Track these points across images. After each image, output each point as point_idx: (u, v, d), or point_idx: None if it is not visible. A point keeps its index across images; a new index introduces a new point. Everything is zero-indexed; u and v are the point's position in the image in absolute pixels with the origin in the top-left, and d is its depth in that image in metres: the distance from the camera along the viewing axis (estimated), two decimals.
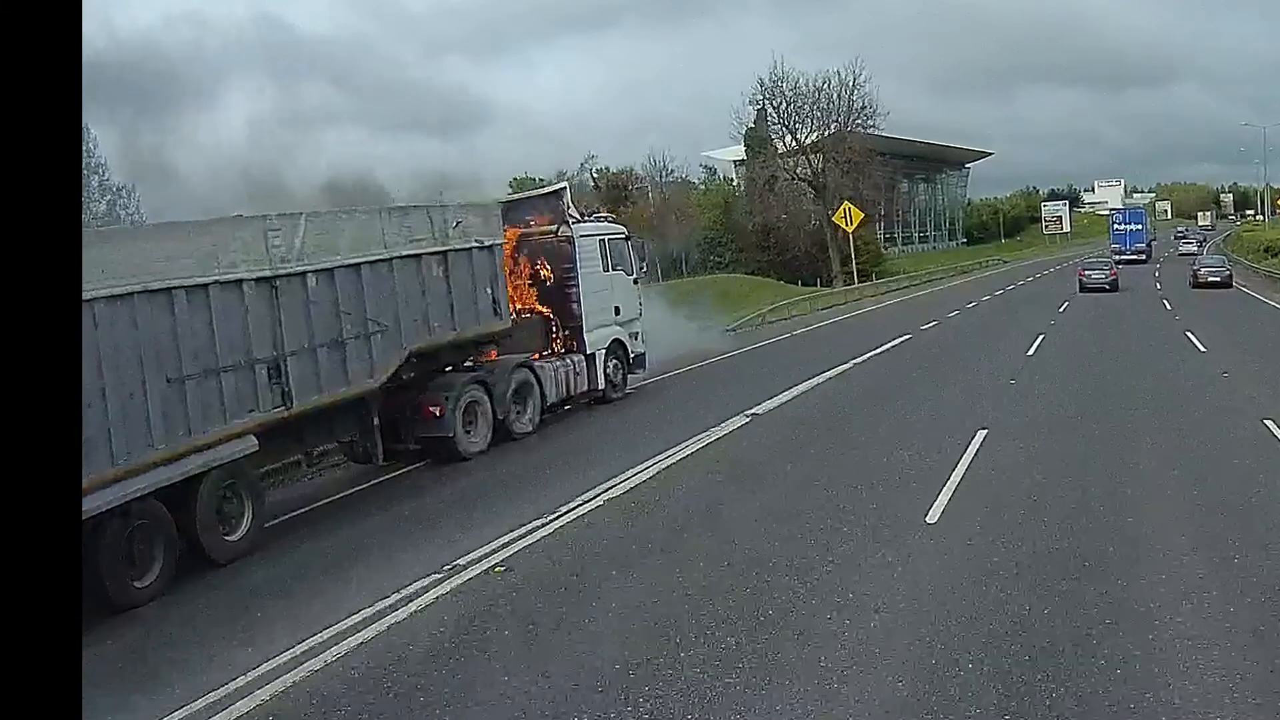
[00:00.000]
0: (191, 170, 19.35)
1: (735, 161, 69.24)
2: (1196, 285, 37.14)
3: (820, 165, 55.61)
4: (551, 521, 9.16)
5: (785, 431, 12.55)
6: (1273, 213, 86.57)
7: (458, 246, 13.32)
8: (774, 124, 57.05)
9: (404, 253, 12.46)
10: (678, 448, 11.85)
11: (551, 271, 15.90)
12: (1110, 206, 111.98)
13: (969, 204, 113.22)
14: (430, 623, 6.94)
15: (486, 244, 13.92)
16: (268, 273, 10.35)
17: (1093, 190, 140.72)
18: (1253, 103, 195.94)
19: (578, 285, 15.82)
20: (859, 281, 49.68)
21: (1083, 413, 12.52)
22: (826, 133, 55.10)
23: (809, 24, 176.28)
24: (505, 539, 8.72)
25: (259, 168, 16.34)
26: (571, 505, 9.59)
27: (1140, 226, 62.60)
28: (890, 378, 16.90)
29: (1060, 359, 18.10)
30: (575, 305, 15.83)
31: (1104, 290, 36.86)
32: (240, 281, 10.00)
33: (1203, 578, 6.57)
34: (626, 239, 17.67)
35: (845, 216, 44.57)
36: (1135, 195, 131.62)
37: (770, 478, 10.12)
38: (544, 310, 15.85)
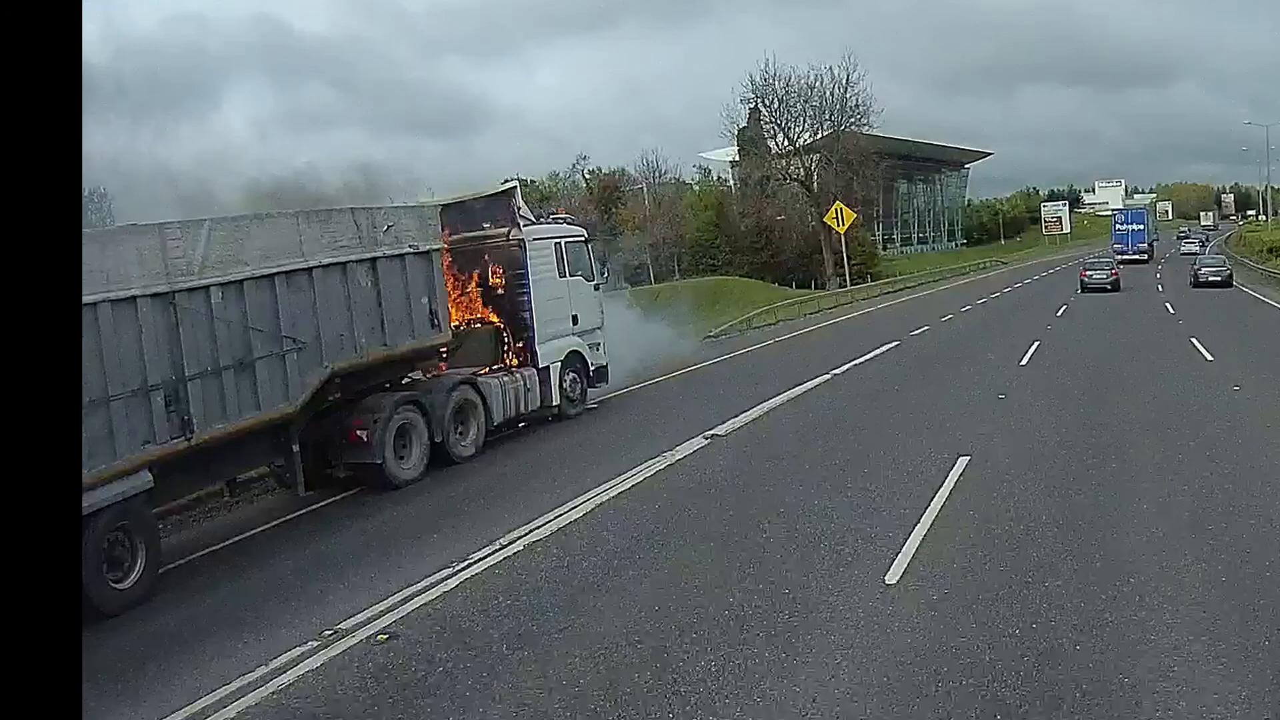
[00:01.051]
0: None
1: (731, 162, 68.05)
2: (1197, 285, 37.09)
3: (813, 166, 54.43)
4: (461, 571, 8.01)
5: (742, 458, 11.30)
6: (1275, 213, 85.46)
7: (389, 253, 12.17)
8: (766, 123, 55.84)
9: (325, 261, 11.32)
10: (623, 476, 10.65)
11: (502, 278, 14.77)
12: (1111, 207, 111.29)
13: (968, 204, 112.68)
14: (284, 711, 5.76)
15: (422, 249, 12.75)
16: (164, 288, 9.26)
17: (1093, 191, 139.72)
18: (1253, 102, 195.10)
19: (529, 293, 14.65)
20: (855, 283, 48.60)
21: (1076, 439, 11.05)
22: (820, 133, 53.86)
23: (808, 23, 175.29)
24: (406, 593, 7.57)
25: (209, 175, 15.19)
26: (484, 553, 8.41)
27: (1142, 227, 62.42)
28: (868, 392, 15.64)
29: (1055, 370, 16.83)
30: (527, 314, 14.68)
31: (1105, 290, 36.45)
32: (134, 298, 8.91)
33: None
34: (586, 242, 16.51)
35: (837, 217, 43.36)
36: (1136, 196, 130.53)
37: (712, 520, 8.79)
38: (495, 320, 14.74)
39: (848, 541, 7.74)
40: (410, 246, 12.47)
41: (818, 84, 53.81)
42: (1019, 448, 10.70)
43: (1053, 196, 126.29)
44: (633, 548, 8.18)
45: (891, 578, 6.86)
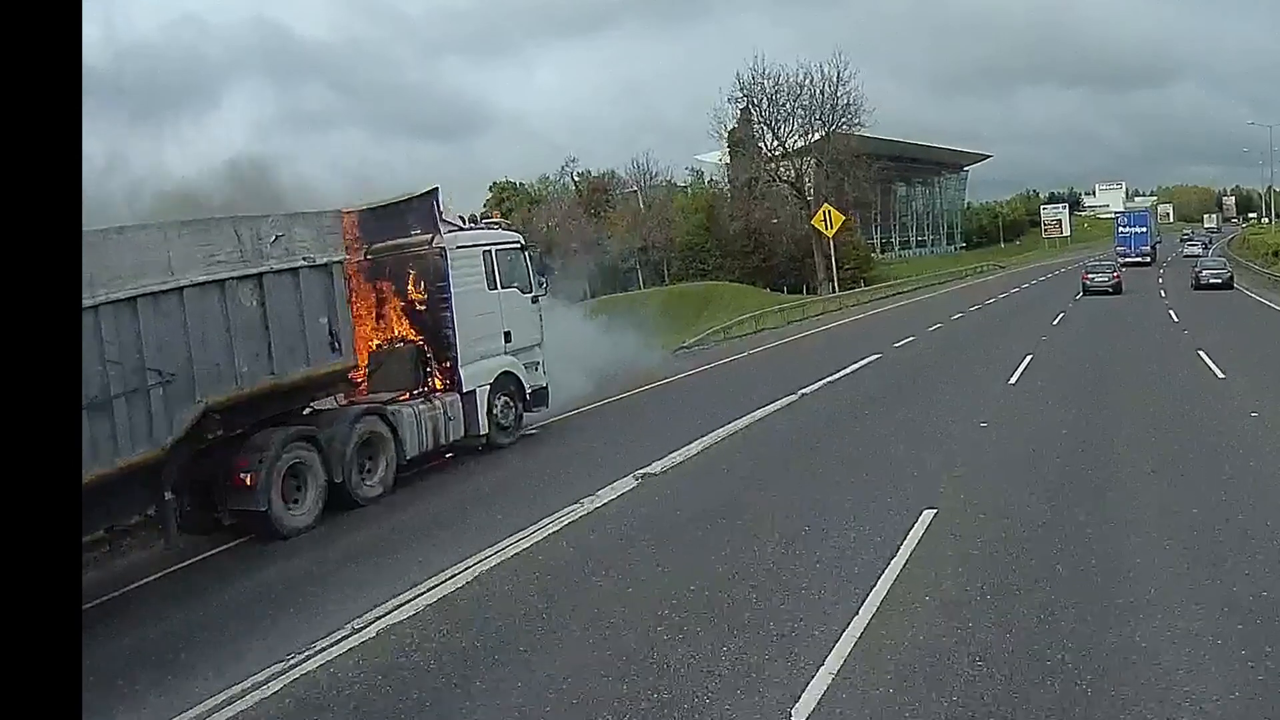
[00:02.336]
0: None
1: (724, 163, 66.46)
2: (1198, 287, 37.43)
3: (804, 167, 52.89)
4: (319, 653, 6.58)
5: (671, 505, 9.67)
6: (1278, 215, 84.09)
7: (278, 267, 10.66)
8: (756, 123, 54.30)
9: (199, 279, 9.83)
10: (535, 527, 9.11)
11: (424, 291, 13.22)
12: (1112, 210, 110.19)
13: (968, 207, 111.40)
14: None
15: (320, 262, 11.22)
16: None
17: (1093, 194, 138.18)
18: (1254, 104, 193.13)
19: (451, 307, 13.10)
20: (844, 289, 47.13)
21: (1069, 485, 9.28)
22: (810, 132, 52.32)
23: (808, 24, 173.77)
24: (245, 684, 6.17)
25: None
26: (349, 632, 6.91)
27: (1145, 229, 62.16)
28: (833, 418, 13.96)
29: (1048, 390, 15.22)
30: (449, 331, 13.12)
31: (1107, 293, 36.21)
32: None
33: None
34: (523, 249, 14.95)
35: (825, 220, 41.77)
36: (1137, 198, 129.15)
37: (609, 599, 7.12)
38: (417, 339, 13.18)
39: (770, 636, 6.08)
40: (304, 259, 10.95)
41: (807, 82, 52.26)
42: (996, 499, 8.88)
43: (1053, 199, 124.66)
44: (513, 635, 6.60)
45: (816, 689, 5.21)
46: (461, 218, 14.90)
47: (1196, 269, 40.27)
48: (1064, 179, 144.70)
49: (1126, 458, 10.43)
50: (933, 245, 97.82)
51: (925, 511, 8.43)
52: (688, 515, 9.19)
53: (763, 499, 9.56)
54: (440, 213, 13.30)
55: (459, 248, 13.37)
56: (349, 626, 7.00)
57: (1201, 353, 18.22)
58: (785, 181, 54.00)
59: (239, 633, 7.29)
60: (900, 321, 30.35)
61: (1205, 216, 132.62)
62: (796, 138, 53.30)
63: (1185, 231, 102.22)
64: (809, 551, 7.74)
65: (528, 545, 8.64)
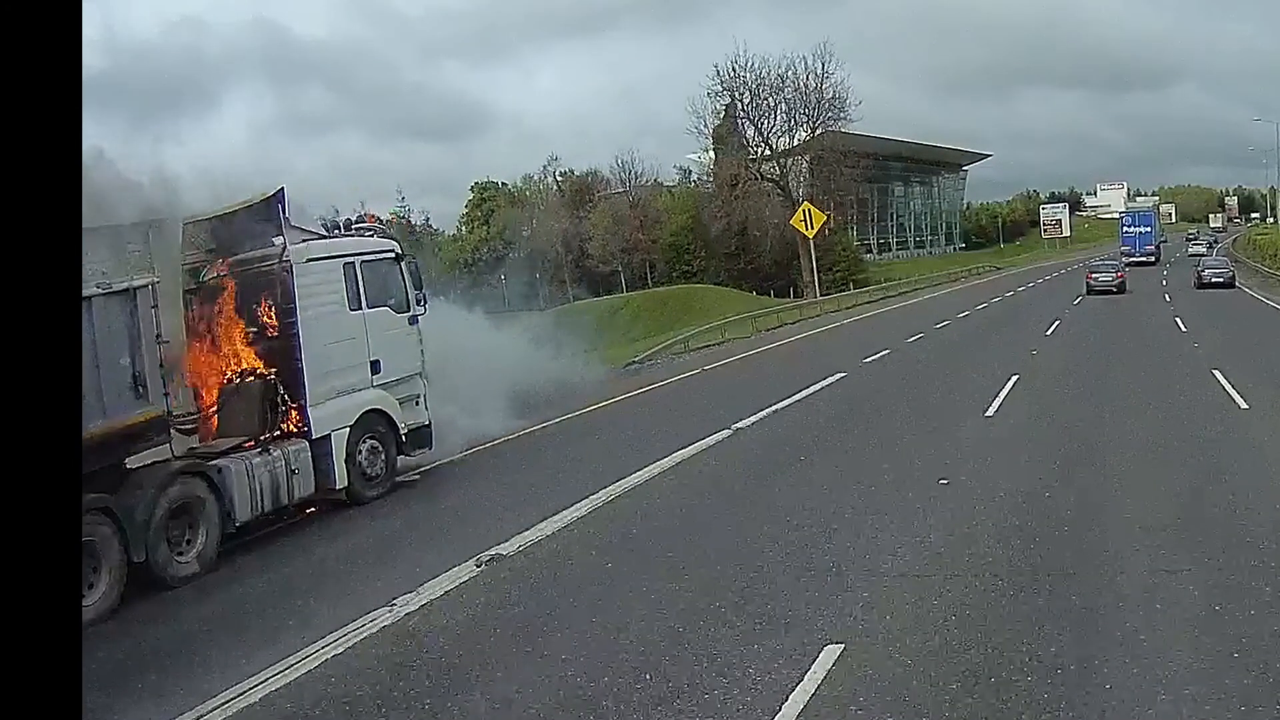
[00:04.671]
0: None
1: (706, 160, 63.70)
2: (1201, 286, 37.88)
3: (788, 166, 50.10)
4: None
5: (504, 615, 6.93)
6: None
7: None
8: (738, 118, 51.46)
9: None
10: (318, 646, 6.59)
11: (275, 315, 10.83)
12: (1114, 210, 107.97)
13: (967, 207, 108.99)
14: None
15: (118, 288, 8.72)
16: None
17: (1094, 194, 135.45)
18: (1254, 104, 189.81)
19: (298, 332, 10.66)
20: (834, 292, 44.47)
21: (1048, 599, 6.28)
22: (793, 126, 49.53)
23: (808, 26, 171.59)
24: None
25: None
26: None
27: (1150, 229, 61.63)
28: (759, 467, 11.00)
29: (1031, 426, 12.41)
30: (298, 363, 10.64)
31: (1111, 292, 36.33)
32: None
33: None
34: (397, 259, 12.26)
35: (805, 219, 38.95)
36: (1139, 199, 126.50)
37: None
38: (268, 373, 10.73)
39: None
40: (98, 285, 8.45)
41: (790, 75, 49.36)
42: (936, 629, 5.92)
43: (1053, 199, 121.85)
44: None
45: None
46: (326, 224, 12.53)
47: (1199, 268, 40.49)
48: (1065, 180, 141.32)
49: (1127, 546, 7.52)
50: (931, 246, 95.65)
51: (827, 650, 5.59)
52: (515, 630, 6.44)
53: (618, 617, 6.67)
54: (286, 217, 10.91)
55: (310, 260, 10.99)
56: None
57: (1217, 373, 15.42)
58: (769, 180, 51.10)
59: None
60: (878, 331, 27.62)
61: (1210, 216, 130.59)
62: (781, 134, 50.41)
63: (1190, 231, 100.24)
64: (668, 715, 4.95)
65: (294, 678, 6.16)
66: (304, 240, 11.18)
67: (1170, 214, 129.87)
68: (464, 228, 78.08)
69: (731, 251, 58.59)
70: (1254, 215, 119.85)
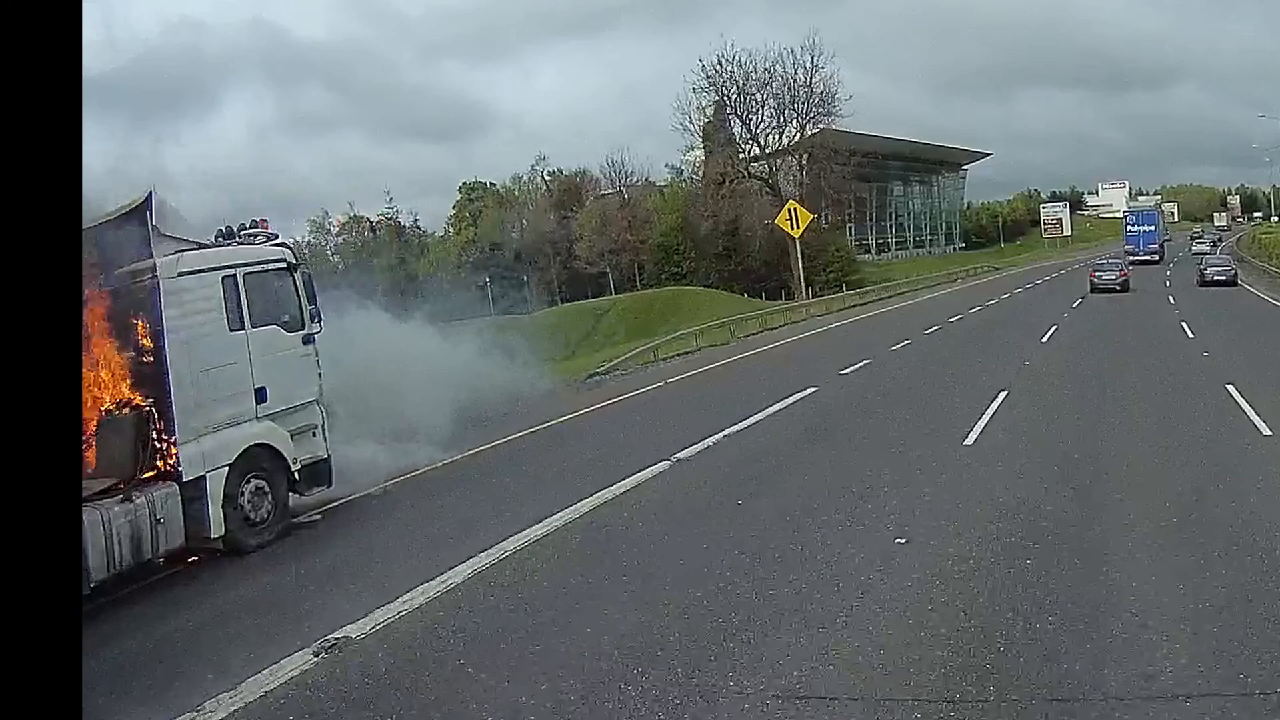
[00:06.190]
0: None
1: (695, 158, 61.97)
2: (1203, 284, 38.12)
3: (778, 164, 48.39)
4: None
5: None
6: None
7: None
8: (726, 113, 49.78)
9: None
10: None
11: (150, 338, 9.32)
12: (1116, 209, 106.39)
13: (967, 207, 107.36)
14: None
15: None
16: None
17: (1096, 193, 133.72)
18: (1255, 104, 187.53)
19: (165, 357, 9.19)
20: (827, 293, 42.84)
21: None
22: (782, 121, 47.81)
23: (807, 27, 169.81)
24: None
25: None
26: None
27: (1153, 228, 61.63)
28: (680, 520, 9.06)
29: (1017, 459, 10.68)
30: (166, 392, 9.17)
31: (1114, 290, 36.55)
32: None
33: None
34: (290, 269, 10.61)
35: (790, 218, 37.27)
36: (1140, 198, 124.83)
37: None
38: (143, 403, 9.23)
39: None
40: None
41: (777, 67, 47.61)
42: None
43: (1054, 198, 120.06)
44: None
45: None
46: (222, 232, 10.93)
47: (1202, 266, 40.65)
48: (1065, 180, 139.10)
49: (1137, 627, 5.81)
50: (931, 245, 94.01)
51: None
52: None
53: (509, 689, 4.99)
54: (155, 225, 9.45)
55: (181, 274, 9.46)
56: None
57: (1231, 388, 13.76)
58: (757, 178, 49.39)
59: None
60: (862, 338, 25.91)
61: (1215, 215, 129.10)
62: (769, 130, 48.70)
63: (1195, 230, 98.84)
64: None
65: None
66: (176, 251, 9.60)
67: (1173, 213, 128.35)
68: (451, 229, 76.58)
69: (721, 252, 56.87)
70: (1256, 214, 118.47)
